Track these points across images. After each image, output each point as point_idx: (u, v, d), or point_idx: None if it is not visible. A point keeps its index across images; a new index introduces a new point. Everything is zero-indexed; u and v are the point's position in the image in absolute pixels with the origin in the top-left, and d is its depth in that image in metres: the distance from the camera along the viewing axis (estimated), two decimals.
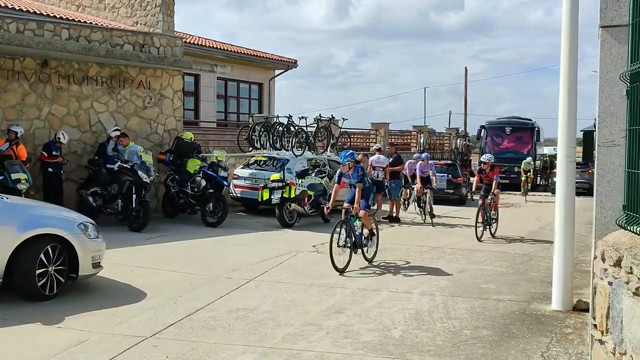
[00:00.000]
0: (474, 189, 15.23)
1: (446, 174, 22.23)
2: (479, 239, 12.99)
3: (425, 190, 16.20)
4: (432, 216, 16.07)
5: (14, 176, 11.01)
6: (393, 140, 24.24)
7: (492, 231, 13.73)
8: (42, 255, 7.11)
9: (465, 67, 39.12)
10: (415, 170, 16.59)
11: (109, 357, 5.49)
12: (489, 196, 13.75)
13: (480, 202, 13.69)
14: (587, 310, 7.31)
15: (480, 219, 13.38)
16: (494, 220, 13.91)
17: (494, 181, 13.75)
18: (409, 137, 28.97)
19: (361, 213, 9.86)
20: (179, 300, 7.62)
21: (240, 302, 7.55)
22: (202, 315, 6.94)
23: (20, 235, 6.95)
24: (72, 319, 6.63)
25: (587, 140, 27.96)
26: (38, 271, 7.07)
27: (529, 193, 24.92)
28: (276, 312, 7.14)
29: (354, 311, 7.29)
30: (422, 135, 25.92)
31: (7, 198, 7.55)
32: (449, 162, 23.49)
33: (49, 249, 7.20)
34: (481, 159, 14.65)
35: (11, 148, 11.99)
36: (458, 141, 27.87)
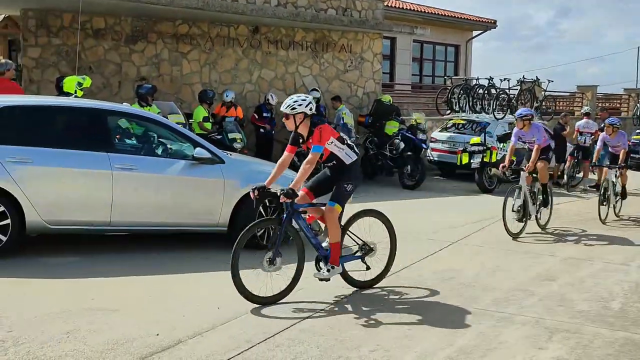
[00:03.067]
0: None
1: None
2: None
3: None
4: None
5: (230, 136, 11.90)
6: (618, 104, 22.60)
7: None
8: (260, 208, 7.64)
9: None
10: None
11: (324, 306, 5.79)
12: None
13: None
14: None
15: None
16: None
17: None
18: (619, 100, 26.75)
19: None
20: (383, 258, 7.80)
21: (444, 264, 7.56)
22: (408, 275, 7.06)
23: (243, 188, 7.52)
24: (288, 268, 7.04)
25: None
26: None
27: None
28: (482, 276, 7.06)
29: (566, 280, 6.98)
30: None
31: (231, 154, 8.18)
32: None
33: (267, 202, 7.70)
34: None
35: (230, 110, 12.95)
36: None
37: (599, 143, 11.65)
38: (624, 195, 11.62)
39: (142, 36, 13.29)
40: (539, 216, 9.81)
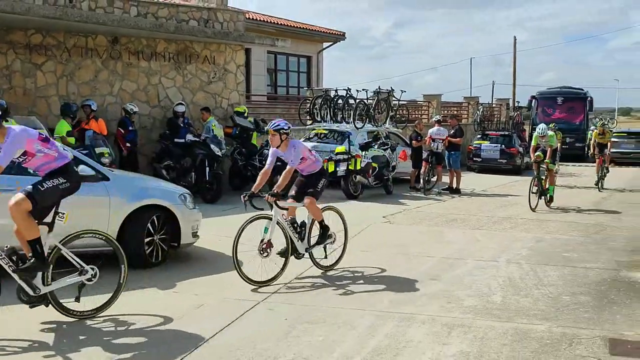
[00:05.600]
0: None
1: (499, 145, 22.34)
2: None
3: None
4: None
5: (98, 150, 11.41)
6: (455, 112, 24.39)
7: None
8: (148, 225, 7.46)
9: (514, 37, 38.60)
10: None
11: (231, 320, 5.80)
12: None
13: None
14: None
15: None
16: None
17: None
18: (459, 108, 28.85)
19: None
20: (275, 268, 7.90)
21: (335, 269, 7.81)
22: (305, 282, 7.25)
23: (130, 205, 7.30)
24: (183, 284, 6.98)
25: None
26: (145, 240, 7.42)
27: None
28: (373, 279, 7.41)
29: (448, 278, 7.50)
30: (480, 106, 25.77)
31: (114, 171, 7.90)
32: (505, 133, 23.44)
33: (155, 218, 7.54)
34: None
35: (89, 122, 12.38)
36: (514, 112, 27.70)
37: (269, 160, 7.73)
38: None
39: None
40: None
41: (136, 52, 14.37)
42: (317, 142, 16.53)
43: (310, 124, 17.47)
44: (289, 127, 7.41)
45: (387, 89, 17.97)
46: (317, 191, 7.63)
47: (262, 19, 24.89)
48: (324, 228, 7.69)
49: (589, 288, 7.12)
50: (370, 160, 14.89)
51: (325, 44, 29.10)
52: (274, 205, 7.22)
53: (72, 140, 11.55)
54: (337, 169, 14.46)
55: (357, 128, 16.35)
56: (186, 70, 15.23)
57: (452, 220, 11.83)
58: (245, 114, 15.31)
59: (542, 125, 14.47)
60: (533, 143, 14.30)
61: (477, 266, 8.15)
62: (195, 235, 8.15)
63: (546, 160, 13.72)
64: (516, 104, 30.28)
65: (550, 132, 14.23)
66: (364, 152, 15.02)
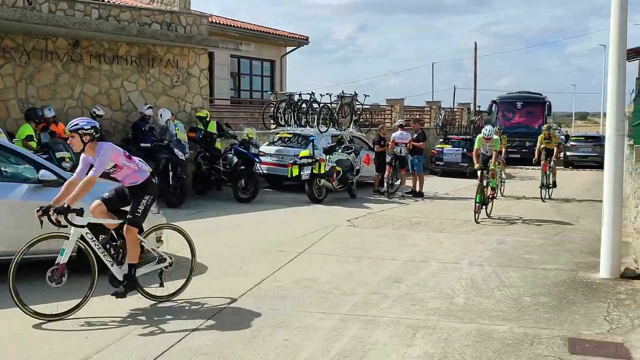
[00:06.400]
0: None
1: (461, 148, 22.67)
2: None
3: None
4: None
5: (58, 155, 11.24)
6: (418, 116, 24.68)
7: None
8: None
9: (475, 43, 39.15)
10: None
11: (197, 324, 5.79)
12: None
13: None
14: (635, 277, 7.66)
15: None
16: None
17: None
18: (422, 112, 29.17)
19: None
20: (240, 272, 7.93)
21: (300, 273, 7.84)
22: (270, 286, 7.25)
23: None
24: (150, 290, 6.90)
25: None
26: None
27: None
28: (338, 282, 7.44)
29: (412, 281, 7.59)
30: (442, 111, 26.12)
31: None
32: (466, 136, 23.79)
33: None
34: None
35: (50, 127, 12.21)
36: (475, 117, 28.15)
37: (78, 168, 6.23)
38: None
39: None
40: None
41: (97, 55, 14.21)
42: (281, 146, 16.59)
43: (274, 128, 17.49)
44: (92, 127, 5.97)
45: (350, 93, 18.10)
46: (136, 217, 6.18)
47: (225, 23, 24.84)
48: (131, 268, 6.31)
49: (549, 289, 7.28)
50: (335, 164, 14.98)
51: (289, 48, 29.15)
52: (68, 223, 5.88)
53: (33, 144, 11.38)
54: (302, 172, 14.50)
55: (321, 132, 16.42)
56: (149, 73, 15.11)
57: (416, 224, 11.97)
58: (207, 118, 15.27)
59: (489, 127, 13.70)
60: (476, 146, 13.39)
61: (441, 268, 8.27)
62: (159, 240, 8.06)
63: (492, 167, 13.03)
64: (477, 109, 30.80)
65: (495, 136, 13.49)
66: (328, 156, 15.10)
